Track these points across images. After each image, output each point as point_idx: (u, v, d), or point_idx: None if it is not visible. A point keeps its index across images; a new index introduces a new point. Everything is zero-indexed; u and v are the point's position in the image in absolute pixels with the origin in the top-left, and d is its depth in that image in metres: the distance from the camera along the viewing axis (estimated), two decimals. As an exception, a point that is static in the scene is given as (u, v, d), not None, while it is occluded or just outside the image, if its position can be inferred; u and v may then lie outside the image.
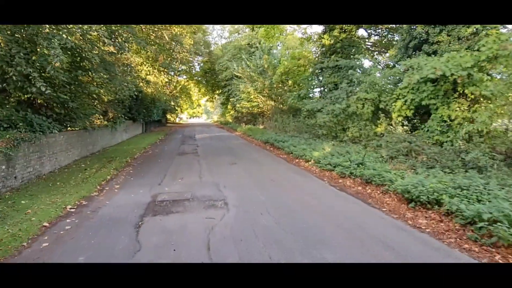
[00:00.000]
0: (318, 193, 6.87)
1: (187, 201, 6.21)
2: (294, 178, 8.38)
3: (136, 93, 20.90)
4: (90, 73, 10.47)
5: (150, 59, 18.29)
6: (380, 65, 21.23)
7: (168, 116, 57.16)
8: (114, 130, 17.68)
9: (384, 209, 5.69)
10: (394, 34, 22.11)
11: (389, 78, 12.45)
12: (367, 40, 23.73)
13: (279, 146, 13.93)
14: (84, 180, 8.07)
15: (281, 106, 27.72)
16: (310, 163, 10.29)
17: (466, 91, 9.48)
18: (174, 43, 27.82)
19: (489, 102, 9.44)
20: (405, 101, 11.31)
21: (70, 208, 5.80)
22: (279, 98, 28.36)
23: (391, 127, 11.59)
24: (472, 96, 9.43)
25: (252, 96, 29.29)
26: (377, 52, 25.02)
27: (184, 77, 50.92)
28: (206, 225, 4.90)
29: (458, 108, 9.67)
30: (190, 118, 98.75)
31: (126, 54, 15.78)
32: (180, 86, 48.72)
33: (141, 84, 22.42)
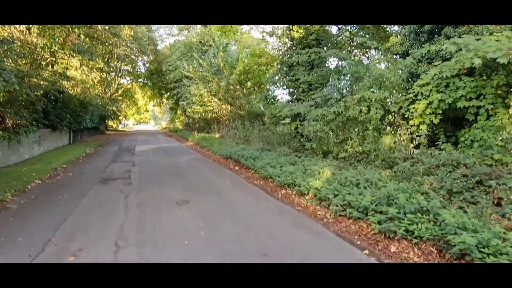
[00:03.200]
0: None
1: None
2: (302, 244, 4.43)
3: (53, 93, 16.05)
4: None
5: (57, 39, 13.37)
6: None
7: (110, 123, 51.06)
8: (16, 143, 12.68)
9: None
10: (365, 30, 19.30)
11: (398, 71, 9.12)
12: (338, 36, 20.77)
13: (249, 165, 10.01)
14: None
15: (239, 111, 24.00)
16: (307, 198, 6.53)
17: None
18: (109, 34, 22.97)
19: None
20: (429, 102, 8.04)
21: None
22: (237, 101, 24.67)
23: (405, 138, 8.25)
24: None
25: (205, 100, 25.17)
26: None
27: (128, 79, 45.42)
28: None
29: (527, 113, 6.50)
30: (136, 124, 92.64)
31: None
32: (122, 89, 43.19)
33: (61, 81, 17.30)
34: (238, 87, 24.52)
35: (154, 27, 38.36)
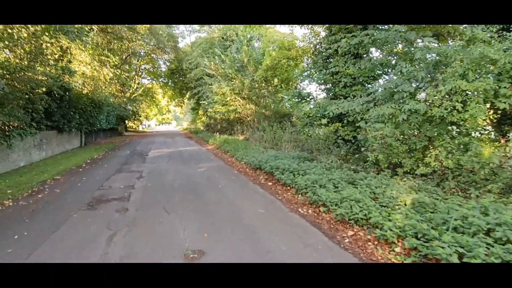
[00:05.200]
0: None
1: None
2: None
3: (57, 90, 14.06)
4: None
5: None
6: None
7: (130, 124, 49.78)
8: (6, 148, 10.71)
9: None
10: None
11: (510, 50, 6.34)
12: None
13: (287, 181, 7.51)
14: None
15: (264, 111, 21.55)
16: (398, 250, 3.96)
17: None
18: (125, 28, 21.11)
19: None
20: None
21: None
22: (262, 100, 22.24)
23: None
24: None
25: (228, 99, 22.87)
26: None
27: (149, 79, 43.99)
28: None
29: None
30: (159, 125, 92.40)
31: None
32: (142, 89, 41.68)
33: (67, 77, 15.31)
34: (263, 84, 22.16)
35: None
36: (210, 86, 24.64)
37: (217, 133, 25.59)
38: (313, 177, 6.82)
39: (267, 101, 22.08)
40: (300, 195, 6.70)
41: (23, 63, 11.57)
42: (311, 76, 15.32)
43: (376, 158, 6.79)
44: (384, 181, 6.11)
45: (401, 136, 6.79)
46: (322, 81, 13.90)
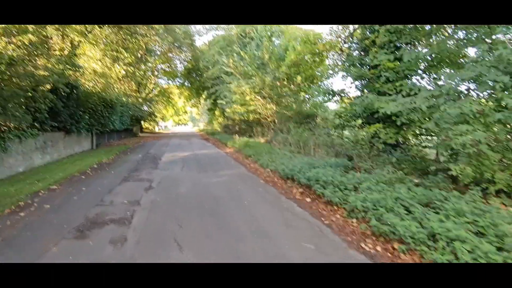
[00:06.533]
0: None
1: None
2: None
3: (62, 87, 12.71)
4: None
5: None
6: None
7: (146, 125, 48.89)
8: (1, 152, 9.42)
9: None
10: None
11: None
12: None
13: (333, 199, 5.82)
14: None
15: (286, 111, 19.89)
16: None
17: None
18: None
19: None
20: None
21: None
22: (283, 100, 20.59)
23: None
24: None
25: (247, 98, 21.26)
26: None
27: (165, 79, 42.99)
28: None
29: None
30: (176, 126, 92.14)
31: None
32: (158, 89, 40.66)
33: (73, 73, 14.01)
34: (285, 82, 20.54)
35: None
36: (228, 85, 23.16)
37: (236, 134, 24.04)
38: (373, 196, 5.10)
39: (289, 100, 20.43)
40: (355, 220, 5.01)
41: (22, 56, 10.27)
42: (344, 70, 13.62)
43: (461, 171, 5.00)
44: (478, 205, 4.35)
45: (493, 142, 5.01)
46: (355, 76, 12.13)
